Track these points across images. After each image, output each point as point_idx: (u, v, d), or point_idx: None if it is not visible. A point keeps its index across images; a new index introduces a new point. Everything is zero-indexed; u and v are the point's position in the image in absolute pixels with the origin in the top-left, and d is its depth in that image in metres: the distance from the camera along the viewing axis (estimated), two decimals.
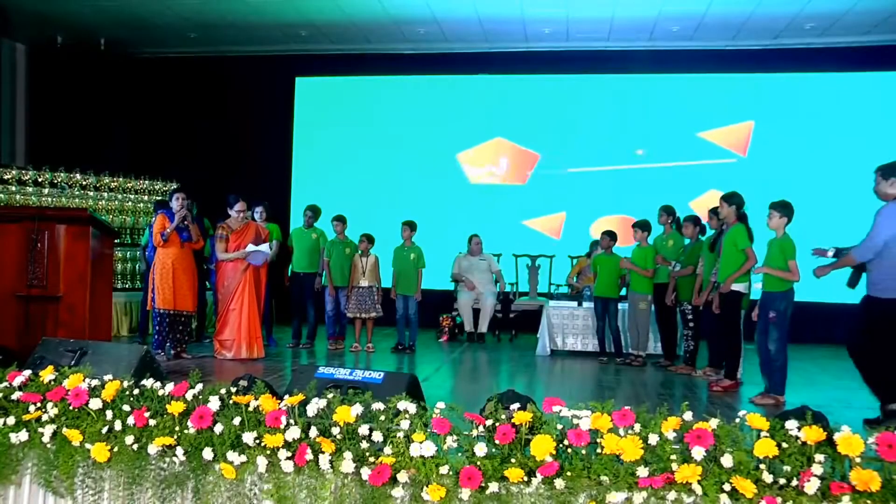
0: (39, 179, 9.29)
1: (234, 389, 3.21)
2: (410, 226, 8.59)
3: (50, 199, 9.17)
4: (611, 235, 8.23)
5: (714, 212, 7.20)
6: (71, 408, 3.28)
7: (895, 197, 4.90)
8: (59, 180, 9.36)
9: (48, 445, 3.21)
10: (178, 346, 7.22)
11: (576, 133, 11.29)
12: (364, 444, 2.84)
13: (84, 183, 9.58)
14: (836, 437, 2.58)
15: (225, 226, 7.47)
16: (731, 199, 6.48)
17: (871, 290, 4.97)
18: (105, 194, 9.73)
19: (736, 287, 6.33)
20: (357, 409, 2.91)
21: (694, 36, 10.64)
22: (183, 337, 7.29)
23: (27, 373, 3.57)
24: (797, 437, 2.61)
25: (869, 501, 2.44)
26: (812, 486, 2.48)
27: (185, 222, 7.16)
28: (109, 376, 3.43)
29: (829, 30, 10.16)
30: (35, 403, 3.36)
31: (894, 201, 4.90)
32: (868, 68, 10.67)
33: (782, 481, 2.54)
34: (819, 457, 2.54)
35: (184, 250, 7.17)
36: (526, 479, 2.66)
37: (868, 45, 10.43)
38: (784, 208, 5.85)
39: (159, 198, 10.08)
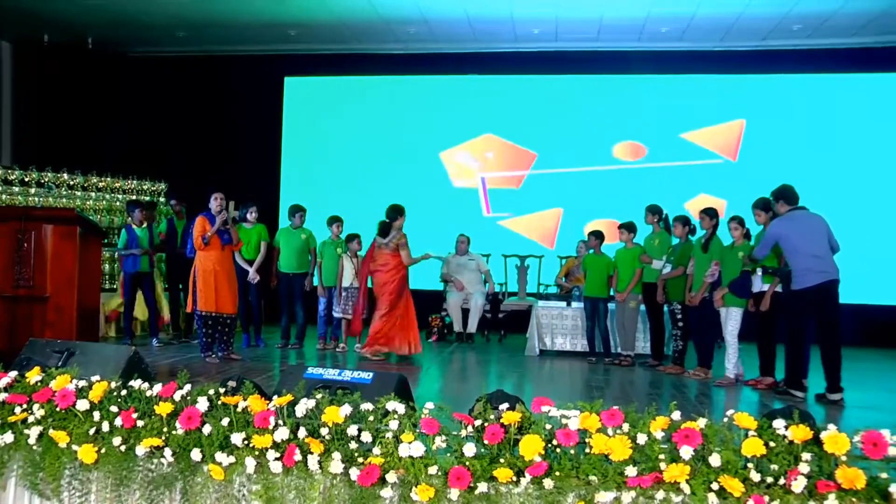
0: (26, 179, 9.23)
1: (222, 390, 3.21)
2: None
3: (37, 199, 9.12)
4: (598, 235, 8.24)
5: (706, 212, 7.24)
6: (58, 409, 3.25)
7: (784, 212, 6.20)
8: (46, 180, 9.31)
9: (34, 447, 3.18)
10: (226, 347, 7.28)
11: (565, 134, 11.32)
12: (353, 445, 2.84)
13: (71, 183, 9.54)
14: (823, 435, 2.60)
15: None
16: (767, 206, 6.59)
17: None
18: (93, 194, 9.69)
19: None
20: (346, 409, 2.90)
21: (683, 37, 10.69)
22: (229, 339, 7.33)
23: (13, 374, 3.55)
24: (784, 437, 2.62)
25: (854, 499, 2.45)
26: (799, 485, 2.49)
27: (227, 225, 7.21)
28: (97, 377, 3.41)
29: (817, 31, 10.23)
30: (21, 405, 3.33)
31: (781, 216, 6.21)
32: (855, 70, 10.75)
33: (770, 480, 2.55)
34: (806, 455, 2.56)
35: (224, 253, 7.19)
36: (515, 479, 2.67)
37: (855, 47, 10.50)
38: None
39: (148, 198, 10.05)
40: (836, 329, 6.01)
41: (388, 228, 7.89)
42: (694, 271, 7.11)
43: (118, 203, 9.86)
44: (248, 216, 8.13)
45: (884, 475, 2.50)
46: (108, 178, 9.89)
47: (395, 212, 7.88)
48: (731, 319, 6.75)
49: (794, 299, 6.10)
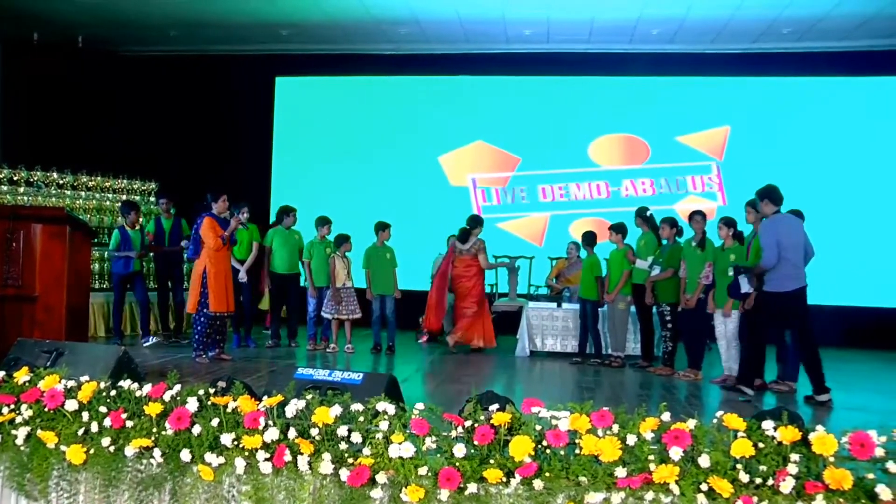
0: (15, 178, 9.17)
1: (212, 390, 3.20)
2: (385, 227, 8.58)
3: (26, 198, 9.06)
4: (588, 237, 8.25)
5: (698, 214, 7.30)
6: (46, 409, 3.24)
7: (771, 213, 6.20)
8: (36, 179, 9.25)
9: (22, 448, 3.16)
10: (218, 347, 7.29)
11: (555, 135, 11.33)
12: (343, 445, 2.84)
13: (61, 182, 9.48)
14: (811, 437, 2.61)
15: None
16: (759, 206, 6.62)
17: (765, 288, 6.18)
18: (83, 193, 9.63)
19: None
20: (336, 410, 2.90)
21: (674, 39, 10.73)
22: (223, 338, 7.36)
23: (1, 374, 3.53)
24: (773, 438, 2.63)
25: (841, 500, 2.47)
26: (787, 486, 2.50)
27: (240, 225, 7.34)
28: (86, 377, 3.39)
29: (807, 34, 10.27)
30: (9, 405, 3.31)
31: (771, 217, 6.19)
32: (845, 73, 10.82)
33: (758, 481, 2.56)
34: (794, 456, 2.57)
35: (229, 253, 7.30)
36: (504, 479, 2.67)
37: (844, 51, 10.55)
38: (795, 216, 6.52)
39: (138, 197, 9.99)
40: (811, 333, 6.13)
41: (467, 235, 8.61)
42: (687, 273, 7.13)
43: (108, 202, 9.81)
44: (241, 216, 8.12)
45: (871, 476, 2.52)
46: (99, 178, 9.84)
47: (476, 221, 8.68)
48: (731, 322, 6.80)
49: (770, 301, 6.14)
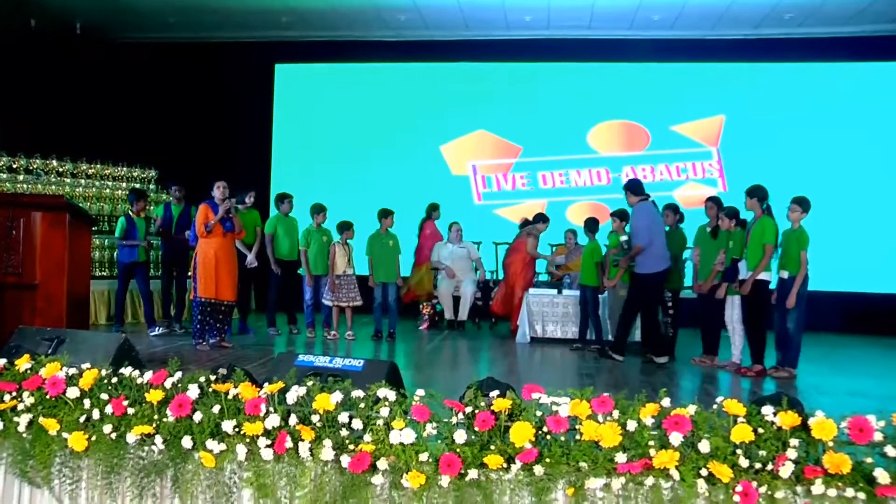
0: (14, 166, 9.15)
1: (213, 377, 3.20)
2: (388, 214, 8.56)
3: (25, 186, 9.05)
4: (590, 223, 8.23)
5: (712, 200, 7.31)
6: (48, 397, 3.24)
7: (636, 202, 7.10)
8: (35, 167, 9.23)
9: (24, 435, 3.17)
10: (219, 335, 7.27)
11: (556, 121, 11.30)
12: (344, 432, 2.85)
13: (61, 169, 9.46)
14: (811, 422, 2.62)
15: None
16: (755, 192, 6.65)
17: (636, 270, 7.10)
18: (82, 181, 9.61)
19: (762, 276, 6.54)
20: (337, 396, 2.90)
21: (675, 25, 10.67)
22: (223, 326, 7.33)
23: (2, 361, 3.53)
24: (773, 423, 2.64)
25: (840, 484, 2.48)
26: (786, 470, 2.51)
27: (230, 214, 7.20)
28: (87, 365, 3.40)
29: (808, 20, 10.23)
30: (10, 392, 3.32)
31: (637, 205, 7.08)
32: (846, 59, 10.77)
33: (758, 466, 2.57)
34: (794, 441, 2.58)
35: (226, 240, 7.20)
36: (505, 465, 2.68)
37: (846, 36, 10.51)
38: (802, 203, 6.54)
39: (137, 185, 9.97)
40: (656, 307, 7.22)
41: (527, 223, 9.29)
42: (701, 260, 7.15)
43: (108, 190, 9.79)
44: (247, 199, 8.13)
45: (869, 460, 2.53)
46: (98, 165, 9.82)
47: (540, 216, 9.26)
48: (737, 308, 6.82)
49: (652, 280, 6.99)
